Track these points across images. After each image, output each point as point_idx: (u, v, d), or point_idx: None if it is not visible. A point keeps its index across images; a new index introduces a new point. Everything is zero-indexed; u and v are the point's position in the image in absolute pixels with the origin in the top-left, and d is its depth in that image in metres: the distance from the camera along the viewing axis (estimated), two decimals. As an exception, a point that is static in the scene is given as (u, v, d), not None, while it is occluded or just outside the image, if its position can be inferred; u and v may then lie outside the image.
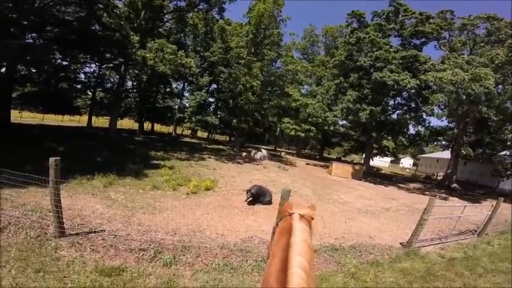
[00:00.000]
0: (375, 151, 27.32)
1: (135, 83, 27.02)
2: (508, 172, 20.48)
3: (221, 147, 25.40)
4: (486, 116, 17.28)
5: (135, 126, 30.17)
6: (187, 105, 31.22)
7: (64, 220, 4.34)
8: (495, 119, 17.19)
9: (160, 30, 22.02)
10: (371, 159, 28.46)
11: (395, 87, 19.42)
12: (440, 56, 20.71)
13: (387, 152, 27.19)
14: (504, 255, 6.30)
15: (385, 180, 22.16)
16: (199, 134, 37.26)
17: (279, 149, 39.17)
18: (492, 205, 7.76)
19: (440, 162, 35.58)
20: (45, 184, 4.15)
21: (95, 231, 4.62)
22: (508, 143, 17.33)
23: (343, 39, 24.68)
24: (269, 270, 0.96)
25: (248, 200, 8.21)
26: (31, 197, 5.78)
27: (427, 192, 17.79)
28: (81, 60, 20.17)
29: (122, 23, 15.47)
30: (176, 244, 4.55)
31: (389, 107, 23.10)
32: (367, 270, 4.65)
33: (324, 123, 23.46)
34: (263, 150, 22.04)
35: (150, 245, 4.41)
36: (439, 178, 27.53)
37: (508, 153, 20.76)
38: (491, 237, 7.86)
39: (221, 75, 24.43)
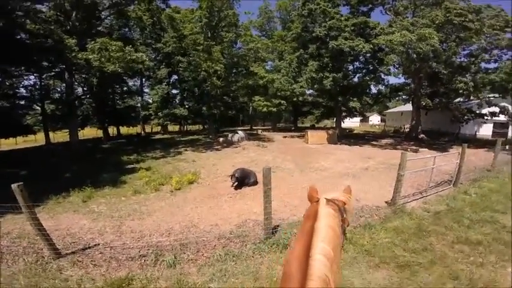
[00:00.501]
0: (344, 114, 28.43)
1: (85, 88, 24.96)
2: (466, 117, 22.38)
3: (196, 137, 24.90)
4: (436, 70, 18.72)
5: (100, 133, 28.30)
6: (150, 101, 29.76)
7: (55, 241, 4.29)
8: (445, 72, 18.73)
9: (100, 28, 20.39)
10: (342, 122, 29.58)
11: (352, 53, 20.07)
12: (387, 20, 21.39)
13: (355, 113, 28.57)
14: (484, 204, 6.39)
15: (359, 140, 23.06)
16: (170, 128, 35.99)
17: (255, 128, 39.36)
18: (459, 153, 8.02)
19: (405, 115, 37.85)
20: (19, 211, 4.01)
21: (89, 247, 4.56)
22: (460, 91, 18.93)
23: (296, 12, 24.61)
24: (291, 256, 0.94)
25: (234, 185, 8.24)
26: (12, 225, 5.53)
27: (398, 147, 18.69)
28: (15, 73, 18.22)
29: (52, 27, 14.04)
30: (173, 244, 4.55)
31: (350, 72, 24.00)
32: (362, 234, 4.79)
33: (292, 95, 23.87)
34: (240, 132, 21.96)
35: (148, 249, 4.39)
36: (406, 130, 29.47)
37: (461, 100, 22.71)
38: (466, 186, 8.05)
39: (180, 65, 23.44)
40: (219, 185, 8.87)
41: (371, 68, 23.04)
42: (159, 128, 33.36)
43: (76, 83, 22.39)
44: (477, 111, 22.23)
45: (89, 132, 31.15)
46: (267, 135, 26.17)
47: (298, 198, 7.15)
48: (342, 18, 20.63)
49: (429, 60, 17.72)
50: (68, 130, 20.05)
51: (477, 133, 27.21)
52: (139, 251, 4.36)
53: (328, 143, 20.02)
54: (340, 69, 21.56)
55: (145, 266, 3.94)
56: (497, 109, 20.96)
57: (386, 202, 6.49)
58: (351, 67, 24.18)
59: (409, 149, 16.46)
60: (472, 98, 21.47)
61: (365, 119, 54.34)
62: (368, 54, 21.15)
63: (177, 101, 30.07)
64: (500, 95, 19.70)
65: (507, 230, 4.93)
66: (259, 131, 30.39)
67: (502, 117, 21.81)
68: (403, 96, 26.69)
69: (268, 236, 4.54)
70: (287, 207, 6.48)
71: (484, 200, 6.70)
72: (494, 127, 26.99)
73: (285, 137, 24.67)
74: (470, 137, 24.83)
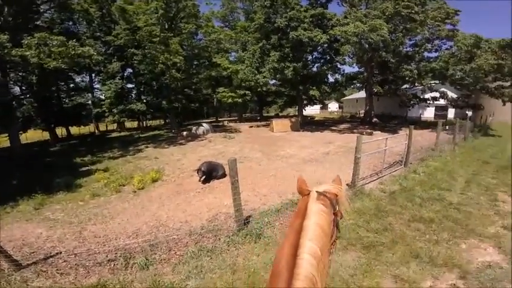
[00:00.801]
0: (305, 102, 29.38)
1: (24, 87, 22.23)
2: (412, 102, 24.89)
3: (157, 132, 23.80)
4: (386, 59, 20.21)
5: (46, 135, 25.53)
6: (102, 97, 27.50)
7: (11, 253, 4.00)
8: (393, 61, 20.33)
9: (39, 23, 18.22)
10: (304, 110, 30.54)
11: (311, 43, 20.68)
12: (343, 11, 22.28)
13: (315, 101, 29.62)
14: (431, 183, 6.89)
15: (320, 126, 24.12)
16: (128, 124, 33.79)
17: (220, 119, 38.85)
18: (406, 134, 8.55)
19: (359, 101, 40.41)
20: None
21: (51, 256, 4.24)
22: (406, 78, 20.90)
23: (259, 3, 24.47)
24: (280, 253, 0.93)
25: (201, 179, 8.08)
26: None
27: (355, 131, 19.95)
28: None
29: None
30: (143, 245, 4.37)
31: (309, 62, 24.79)
32: None
33: (257, 85, 23.94)
34: (204, 124, 21.51)
35: (116, 253, 4.17)
36: (361, 115, 31.54)
37: (407, 86, 24.95)
38: (415, 166, 8.58)
39: (134, 58, 22.02)
40: (185, 181, 8.63)
41: (328, 58, 24.06)
42: (115, 125, 31.14)
43: (12, 82, 19.79)
44: (421, 96, 24.59)
45: (33, 135, 27.87)
46: (233, 126, 26.03)
47: (267, 187, 7.29)
48: (302, 9, 21.06)
49: (379, 49, 19.04)
50: (7, 134, 17.74)
51: (422, 116, 30.34)
52: (106, 256, 4.13)
53: (292, 131, 20.76)
54: (300, 59, 22.11)
55: (116, 271, 3.76)
56: (437, 94, 23.45)
57: (347, 184, 6.75)
58: (310, 57, 24.96)
59: (364, 133, 17.80)
60: (416, 84, 23.62)
61: (324, 107, 57.07)
62: (325, 45, 21.92)
63: (134, 96, 28.18)
64: (440, 81, 22.03)
65: (453, 207, 5.42)
66: (225, 122, 30.11)
67: (442, 101, 24.50)
68: (358, 84, 28.49)
69: (240, 228, 4.53)
70: (257, 197, 6.57)
71: (430, 179, 7.31)
72: (435, 110, 30.36)
73: (251, 126, 24.84)
74: (416, 119, 27.58)
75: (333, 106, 66.21)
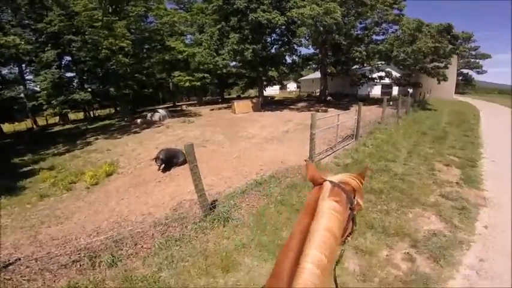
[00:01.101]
0: (265, 83, 29.64)
1: None
2: (361, 81, 26.76)
3: (107, 122, 22.01)
4: (338, 41, 21.19)
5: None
6: (38, 89, 24.29)
7: None
8: (345, 43, 21.40)
9: None
10: (264, 91, 30.88)
11: (269, 25, 20.72)
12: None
13: (274, 81, 30.12)
14: (379, 154, 7.27)
15: (279, 106, 24.84)
16: (73, 116, 30.54)
17: (178, 104, 37.25)
18: (356, 110, 9.42)
19: (315, 81, 41.99)
20: None
21: (11, 263, 3.93)
22: (356, 59, 22.40)
23: (217, -16, 23.23)
24: (282, 256, 0.84)
25: (161, 168, 7.81)
26: None
27: (312, 108, 20.95)
28: None
29: None
30: (106, 242, 4.17)
31: (268, 44, 24.79)
32: (290, 195, 5.12)
33: (216, 68, 23.38)
34: (160, 110, 20.47)
35: (79, 254, 3.95)
36: (317, 94, 32.98)
37: (357, 67, 26.67)
38: (364, 139, 9.08)
39: (72, 45, 19.76)
40: (143, 171, 8.28)
41: (286, 39, 24.30)
42: (57, 118, 27.91)
43: None
44: (369, 76, 26.41)
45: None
46: (193, 110, 25.24)
47: (231, 169, 7.34)
48: (261, -10, 20.70)
49: (333, 32, 19.81)
50: None
51: (370, 93, 32.89)
52: (69, 257, 3.90)
53: (254, 111, 21.02)
54: (259, 41, 22.06)
55: (83, 271, 3.58)
56: (383, 74, 25.42)
57: (305, 160, 7.07)
58: (269, 39, 24.94)
59: (320, 110, 18.91)
60: (365, 65, 25.28)
61: (283, 87, 58.25)
62: (283, 27, 22.15)
63: (76, 85, 25.37)
64: (386, 62, 23.85)
65: (398, 177, 5.85)
66: (184, 107, 29.03)
67: (387, 80, 26.67)
68: (313, 65, 29.53)
69: (207, 213, 4.49)
70: (222, 180, 6.59)
71: (378, 151, 7.90)
72: (382, 88, 33.05)
73: (213, 109, 24.39)
74: (365, 96, 29.90)
75: (292, 86, 67.77)
